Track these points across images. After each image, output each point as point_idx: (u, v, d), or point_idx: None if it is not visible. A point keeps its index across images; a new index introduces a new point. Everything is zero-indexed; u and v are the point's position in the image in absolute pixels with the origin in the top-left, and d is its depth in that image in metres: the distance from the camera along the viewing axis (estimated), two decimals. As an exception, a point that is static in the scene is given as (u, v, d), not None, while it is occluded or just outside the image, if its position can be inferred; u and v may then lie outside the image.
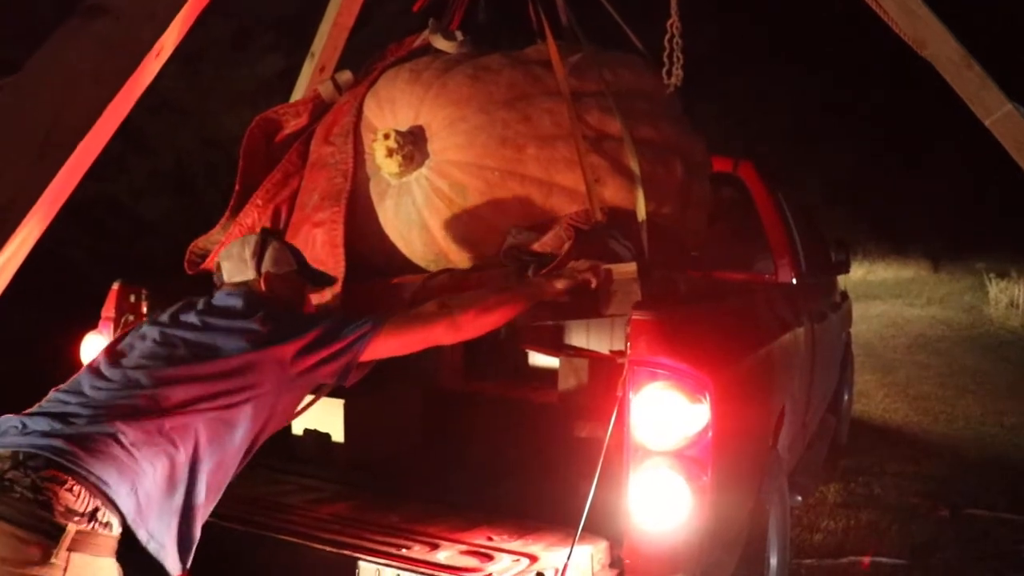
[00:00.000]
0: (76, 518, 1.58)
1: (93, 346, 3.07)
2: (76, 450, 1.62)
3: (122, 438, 1.67)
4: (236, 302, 2.05)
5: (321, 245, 2.51)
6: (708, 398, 2.11)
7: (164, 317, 2.06)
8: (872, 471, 5.47)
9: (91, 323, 3.19)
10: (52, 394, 1.89)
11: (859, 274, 15.71)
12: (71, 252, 6.92)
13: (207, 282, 3.01)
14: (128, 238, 7.50)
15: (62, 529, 1.56)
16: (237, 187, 2.94)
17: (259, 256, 2.15)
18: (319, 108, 2.88)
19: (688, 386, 2.10)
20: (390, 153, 2.43)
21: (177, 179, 7.55)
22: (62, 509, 1.57)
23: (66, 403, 1.79)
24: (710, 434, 2.12)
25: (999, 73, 2.86)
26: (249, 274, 2.14)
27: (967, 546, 4.42)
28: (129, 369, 1.85)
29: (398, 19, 5.89)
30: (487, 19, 3.08)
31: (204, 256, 2.99)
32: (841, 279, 5.80)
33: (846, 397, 6.19)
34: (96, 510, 1.61)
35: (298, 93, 3.52)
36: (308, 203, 2.63)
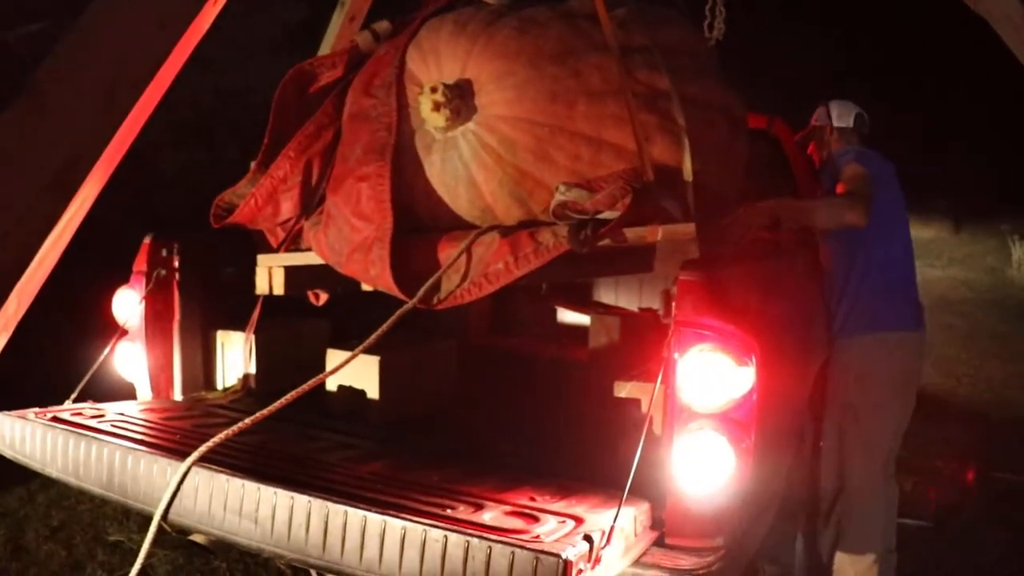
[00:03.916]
0: None
1: (125, 301, 3.06)
2: None
3: None
4: None
5: (367, 200, 2.47)
6: (754, 360, 2.09)
7: None
8: (896, 433, 5.45)
9: (117, 277, 3.19)
10: None
11: (879, 234, 15.52)
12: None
13: (238, 235, 3.00)
14: (147, 191, 7.47)
15: None
16: (266, 140, 2.88)
17: None
18: (355, 59, 2.81)
19: (735, 348, 2.08)
20: (437, 107, 2.37)
21: (196, 131, 7.49)
22: None
23: None
24: (755, 397, 2.10)
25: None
26: None
27: (990, 508, 4.43)
28: None
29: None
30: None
31: (230, 210, 2.96)
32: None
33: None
34: None
35: (327, 44, 3.46)
36: (350, 156, 2.58)
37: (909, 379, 3.41)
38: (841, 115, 3.70)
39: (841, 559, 3.32)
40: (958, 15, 2.96)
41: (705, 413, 2.09)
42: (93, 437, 2.44)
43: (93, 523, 3.98)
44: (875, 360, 3.33)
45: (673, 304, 2.14)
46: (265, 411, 2.21)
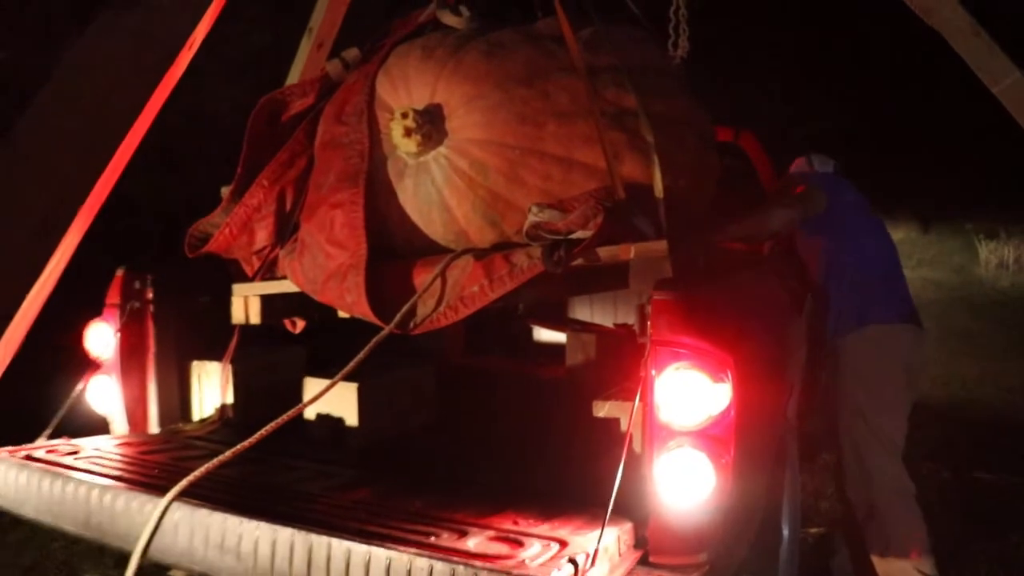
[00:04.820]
0: None
1: (99, 335, 3.04)
2: None
3: None
4: None
5: (340, 227, 2.49)
6: (730, 376, 2.12)
7: None
8: (873, 436, 5.51)
9: (89, 310, 3.16)
10: None
11: (849, 236, 15.73)
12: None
13: (211, 264, 3.00)
14: (114, 216, 7.39)
15: None
16: (240, 169, 2.90)
17: None
18: (326, 87, 2.84)
19: (711, 365, 2.10)
20: (408, 132, 2.40)
21: (162, 154, 7.43)
22: None
23: None
24: (732, 412, 2.13)
25: (1007, 41, 2.85)
26: None
27: (970, 508, 4.49)
28: None
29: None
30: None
31: (204, 239, 2.96)
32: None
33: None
34: None
35: (296, 71, 3.47)
36: (324, 184, 2.59)
37: (910, 374, 3.47)
38: (823, 163, 3.88)
39: (894, 563, 3.37)
40: (915, 24, 3.05)
41: (684, 431, 2.11)
42: (69, 475, 2.42)
43: (67, 561, 3.92)
44: (873, 356, 3.41)
45: (648, 323, 2.17)
46: (245, 443, 2.21)
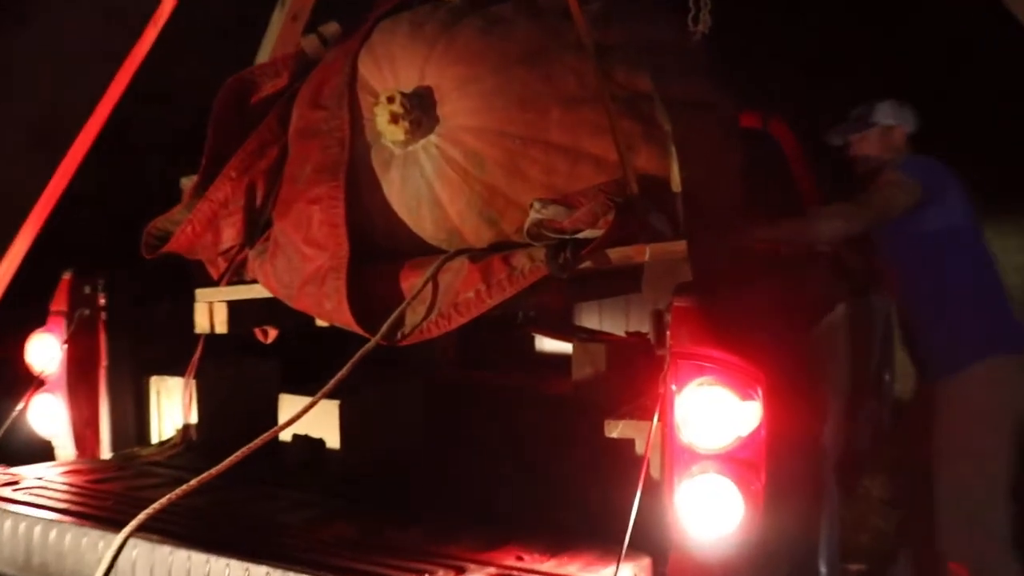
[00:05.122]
0: None
1: (42, 347, 3.05)
2: None
3: None
4: None
5: (319, 225, 2.51)
6: (760, 393, 2.13)
7: None
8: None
9: (28, 316, 3.17)
10: None
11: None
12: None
13: (172, 267, 3.01)
14: (58, 211, 7.39)
15: None
16: (204, 160, 2.92)
17: None
18: (301, 66, 2.86)
19: (738, 381, 2.12)
20: (394, 119, 2.41)
21: (115, 140, 7.43)
22: None
23: None
24: (763, 434, 2.15)
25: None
26: None
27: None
28: None
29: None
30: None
31: (164, 238, 2.98)
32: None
33: (887, 378, 6.24)
34: None
35: (267, 47, 3.49)
36: (300, 176, 2.61)
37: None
38: (914, 121, 3.68)
39: None
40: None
41: (708, 454, 2.12)
42: (6, 509, 2.43)
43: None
44: (996, 393, 3.29)
45: (667, 333, 2.18)
46: (213, 470, 2.22)
